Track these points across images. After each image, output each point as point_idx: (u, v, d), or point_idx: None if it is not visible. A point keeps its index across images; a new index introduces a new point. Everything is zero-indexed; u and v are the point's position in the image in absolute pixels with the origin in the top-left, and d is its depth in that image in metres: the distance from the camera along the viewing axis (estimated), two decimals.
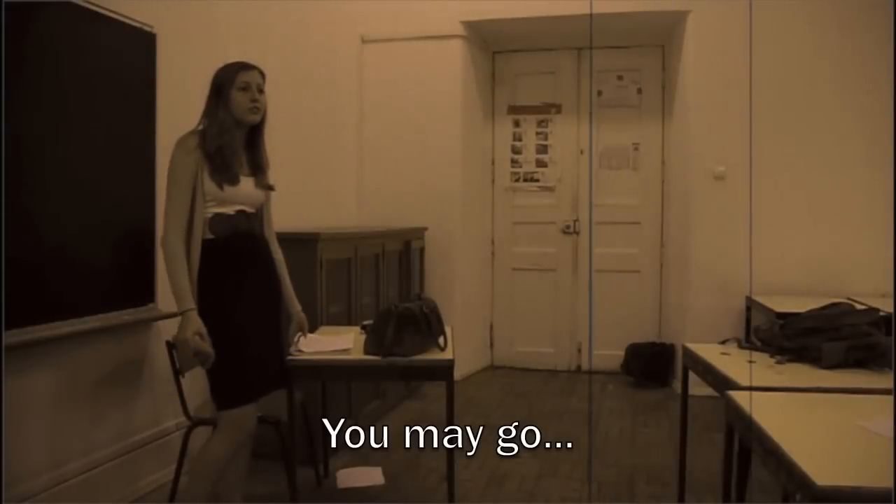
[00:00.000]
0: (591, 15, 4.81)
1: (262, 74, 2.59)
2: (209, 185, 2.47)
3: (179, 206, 2.44)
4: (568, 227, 5.93)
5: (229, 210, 2.53)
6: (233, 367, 2.50)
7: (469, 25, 5.55)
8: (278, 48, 4.38)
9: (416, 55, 5.55)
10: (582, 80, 5.97)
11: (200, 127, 2.54)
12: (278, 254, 2.80)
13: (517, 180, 6.04)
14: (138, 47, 3.19)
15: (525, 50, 6.01)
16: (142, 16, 3.18)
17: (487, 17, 5.45)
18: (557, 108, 5.97)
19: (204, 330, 2.42)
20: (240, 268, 2.56)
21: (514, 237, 6.05)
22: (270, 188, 2.70)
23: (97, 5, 2.94)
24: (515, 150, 6.04)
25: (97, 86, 2.96)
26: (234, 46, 3.55)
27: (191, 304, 2.42)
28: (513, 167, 6.05)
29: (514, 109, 6.03)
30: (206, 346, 2.41)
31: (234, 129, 2.54)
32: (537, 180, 5.97)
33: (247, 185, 2.58)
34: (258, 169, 2.63)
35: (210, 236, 2.50)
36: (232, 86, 2.51)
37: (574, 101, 5.96)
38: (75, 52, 2.85)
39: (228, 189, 2.50)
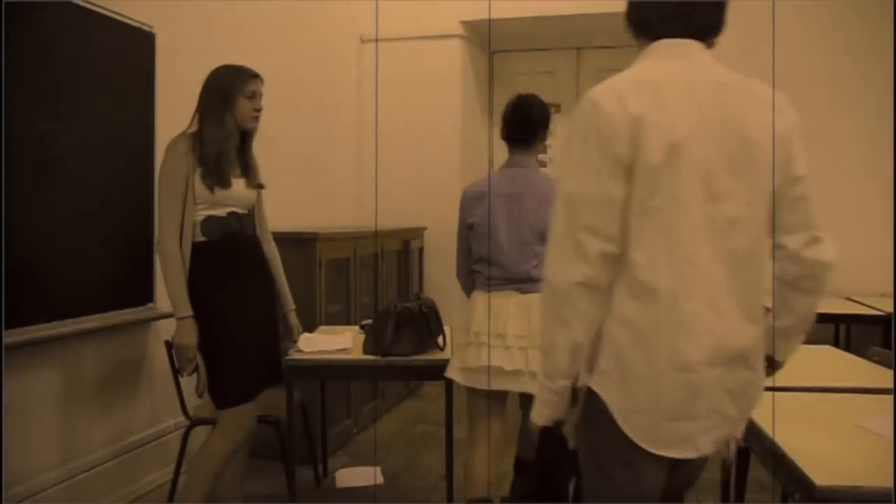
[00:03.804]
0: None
1: (262, 81, 2.62)
2: (200, 188, 2.47)
3: (174, 211, 2.46)
4: None
5: (221, 212, 2.54)
6: (230, 366, 2.51)
7: (468, 25, 5.55)
8: (277, 48, 4.38)
9: (416, 55, 5.55)
10: (581, 80, 5.96)
11: (193, 129, 2.53)
12: (273, 252, 2.80)
13: None
14: (137, 47, 3.19)
15: (524, 50, 6.00)
16: (141, 15, 3.18)
17: (486, 16, 5.45)
18: (556, 108, 5.95)
19: (196, 339, 2.47)
20: (232, 268, 2.57)
21: None
22: (261, 187, 2.71)
23: (96, 5, 2.94)
24: None
25: (96, 85, 2.96)
26: (233, 46, 3.55)
27: (188, 311, 2.45)
28: None
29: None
30: (199, 359, 2.48)
31: (235, 134, 2.57)
32: None
33: (238, 186, 2.58)
34: (248, 169, 2.65)
35: (202, 238, 2.51)
36: (240, 93, 2.52)
37: (573, 100, 5.94)
38: (74, 51, 2.85)
39: (219, 192, 2.51)
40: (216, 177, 2.49)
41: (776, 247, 1.49)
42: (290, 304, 2.84)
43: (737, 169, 1.41)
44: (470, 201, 2.65)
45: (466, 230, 2.65)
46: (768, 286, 1.50)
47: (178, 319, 2.46)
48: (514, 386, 2.46)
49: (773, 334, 1.54)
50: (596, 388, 1.45)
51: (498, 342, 2.45)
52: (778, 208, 1.47)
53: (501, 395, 2.58)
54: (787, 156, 1.45)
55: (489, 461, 2.56)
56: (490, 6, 5.30)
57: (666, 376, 1.39)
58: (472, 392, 2.57)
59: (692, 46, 1.49)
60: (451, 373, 2.61)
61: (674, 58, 1.48)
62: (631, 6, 1.54)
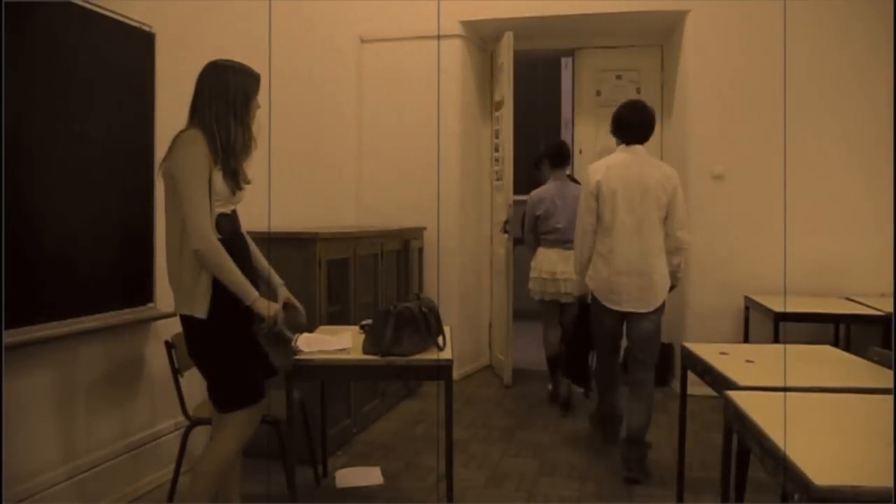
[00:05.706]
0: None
1: None
2: (221, 186, 2.46)
3: (206, 206, 2.41)
4: None
5: (228, 209, 2.54)
6: (249, 367, 2.51)
7: (468, 25, 5.55)
8: (278, 48, 4.38)
9: (415, 55, 5.54)
10: (580, 79, 5.96)
11: (196, 125, 2.51)
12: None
13: (499, 179, 5.86)
14: (137, 47, 3.19)
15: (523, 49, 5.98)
16: (141, 15, 3.18)
17: (486, 16, 5.45)
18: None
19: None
20: (242, 266, 2.56)
21: (503, 237, 5.96)
22: (249, 182, 2.67)
23: (96, 5, 2.94)
24: (497, 149, 5.78)
25: (96, 85, 2.96)
26: (233, 46, 3.54)
27: (255, 291, 2.48)
28: (497, 165, 5.87)
29: (499, 106, 5.92)
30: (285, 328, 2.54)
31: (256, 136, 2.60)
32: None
33: None
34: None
35: (218, 236, 2.48)
36: (256, 96, 2.55)
37: (571, 100, 5.94)
38: (74, 51, 2.85)
39: (237, 191, 2.52)
40: (237, 179, 2.50)
41: (667, 235, 3.51)
42: (277, 280, 2.77)
43: (643, 199, 3.45)
44: (537, 202, 4.74)
45: (535, 218, 4.74)
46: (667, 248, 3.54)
47: (254, 302, 2.46)
48: (564, 298, 4.61)
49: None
50: (587, 280, 3.61)
51: (549, 276, 4.65)
52: (669, 218, 3.48)
53: (556, 304, 4.76)
54: (672, 195, 3.47)
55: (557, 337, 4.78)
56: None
57: (608, 276, 3.48)
58: (542, 302, 4.81)
59: (634, 147, 3.56)
60: (535, 294, 4.80)
61: (625, 153, 3.55)
62: (612, 127, 3.65)
